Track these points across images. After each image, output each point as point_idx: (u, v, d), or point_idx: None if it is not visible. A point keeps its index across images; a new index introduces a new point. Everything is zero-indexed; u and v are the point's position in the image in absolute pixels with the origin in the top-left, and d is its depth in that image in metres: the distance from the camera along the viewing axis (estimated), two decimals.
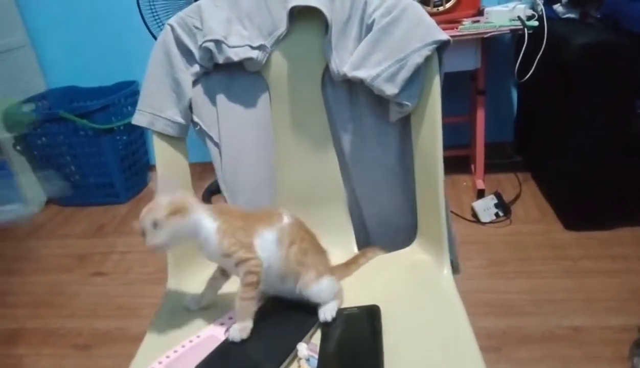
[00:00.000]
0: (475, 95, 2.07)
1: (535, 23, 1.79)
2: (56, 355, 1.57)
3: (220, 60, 0.91)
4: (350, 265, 0.91)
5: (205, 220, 0.73)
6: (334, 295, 0.79)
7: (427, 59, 0.84)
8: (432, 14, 1.89)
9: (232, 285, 0.84)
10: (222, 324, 0.79)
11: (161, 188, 0.74)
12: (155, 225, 0.70)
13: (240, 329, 0.74)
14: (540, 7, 1.87)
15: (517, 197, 2.10)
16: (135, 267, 1.97)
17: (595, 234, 1.77)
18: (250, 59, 0.92)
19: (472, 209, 2.00)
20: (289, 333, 0.76)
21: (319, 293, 0.78)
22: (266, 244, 0.75)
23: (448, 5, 1.93)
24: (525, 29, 1.77)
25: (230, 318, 0.79)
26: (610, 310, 1.43)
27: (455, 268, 0.90)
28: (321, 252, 0.83)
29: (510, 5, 1.85)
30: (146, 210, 0.72)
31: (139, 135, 2.61)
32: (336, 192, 1.01)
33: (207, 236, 0.73)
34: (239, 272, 0.74)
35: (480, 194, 2.09)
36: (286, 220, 0.79)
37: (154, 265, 1.92)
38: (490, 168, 2.21)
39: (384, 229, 1.01)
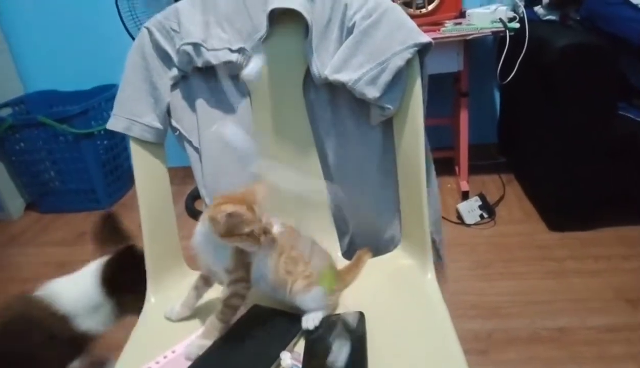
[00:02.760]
0: (459, 97, 2.08)
1: (517, 25, 1.80)
2: None
3: (199, 63, 0.90)
4: (352, 271, 0.90)
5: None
6: (323, 305, 0.78)
7: (409, 62, 0.84)
8: (414, 16, 1.90)
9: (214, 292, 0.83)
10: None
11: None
12: (226, 233, 0.69)
13: (200, 347, 0.74)
14: (521, 9, 1.89)
15: (501, 198, 2.11)
16: None
17: (578, 235, 1.78)
18: (229, 62, 0.90)
19: (457, 211, 2.00)
20: (273, 342, 0.75)
21: (308, 302, 0.77)
22: (258, 256, 0.75)
23: (430, 7, 1.93)
24: (507, 31, 1.78)
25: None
26: (594, 310, 1.43)
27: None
28: (317, 257, 0.81)
29: (492, 7, 1.86)
30: (230, 212, 0.68)
31: (120, 140, 2.57)
32: (319, 197, 0.99)
33: (221, 248, 0.73)
34: (229, 290, 0.75)
35: (465, 196, 2.09)
36: (276, 228, 0.77)
37: None
38: (474, 170, 2.22)
39: (368, 233, 1.00)
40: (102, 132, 2.42)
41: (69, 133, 2.31)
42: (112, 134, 2.53)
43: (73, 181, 2.46)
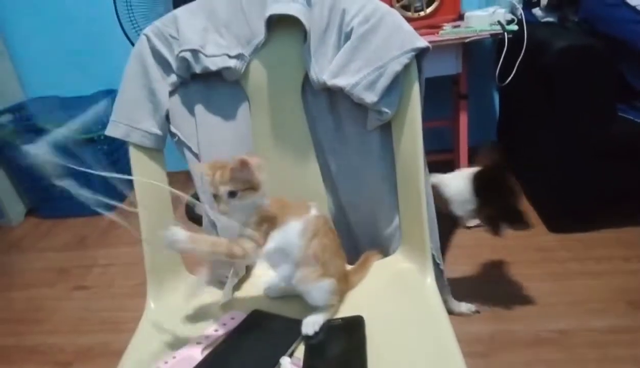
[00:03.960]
0: (458, 100, 2.08)
1: (515, 27, 1.80)
2: None
3: (198, 69, 0.90)
4: (359, 272, 0.91)
5: (260, 202, 0.75)
6: (325, 303, 0.79)
7: (406, 67, 0.84)
8: (413, 19, 1.91)
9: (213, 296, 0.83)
10: (198, 343, 0.78)
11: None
12: (232, 194, 0.72)
13: (179, 240, 0.70)
14: (520, 11, 1.89)
15: None
16: (118, 279, 1.94)
17: (579, 236, 1.77)
18: (228, 68, 0.90)
19: None
20: (272, 347, 0.75)
21: (315, 295, 0.78)
22: (289, 232, 0.76)
23: (429, 10, 1.93)
24: (505, 33, 1.77)
25: (207, 336, 0.77)
26: (596, 311, 1.43)
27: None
28: (338, 255, 0.83)
29: (490, 9, 1.86)
30: (222, 174, 0.72)
31: (121, 145, 2.52)
32: (319, 200, 0.99)
33: (250, 207, 0.74)
34: (238, 240, 0.74)
35: None
36: (313, 212, 0.80)
37: (137, 278, 1.87)
38: None
39: (369, 237, 1.00)
40: (102, 137, 2.42)
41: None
42: (113, 138, 2.53)
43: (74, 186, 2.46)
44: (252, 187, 0.73)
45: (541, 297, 1.52)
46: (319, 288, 0.78)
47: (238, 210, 0.73)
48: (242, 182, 0.72)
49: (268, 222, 0.75)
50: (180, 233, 0.70)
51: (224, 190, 0.71)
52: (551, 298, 1.51)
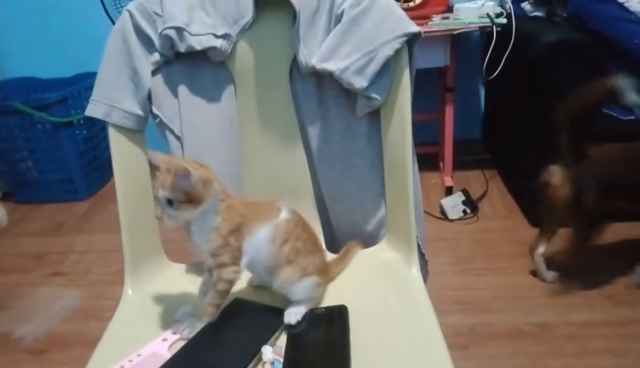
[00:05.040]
0: (444, 93, 2.08)
1: (504, 20, 1.80)
2: (9, 362, 1.48)
3: (182, 48, 0.87)
4: (340, 263, 0.89)
5: (212, 212, 0.71)
6: (309, 298, 0.77)
7: (397, 52, 0.82)
8: (402, 10, 1.89)
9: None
10: (164, 340, 0.75)
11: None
12: (170, 203, 0.67)
13: (190, 328, 0.74)
14: (509, 4, 1.89)
15: (484, 194, 2.12)
16: (96, 267, 1.89)
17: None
18: (214, 48, 0.87)
19: (440, 206, 2.00)
20: (254, 336, 0.73)
21: (295, 293, 0.76)
22: (259, 241, 0.74)
23: (418, 1, 1.92)
24: (494, 26, 1.78)
25: (174, 333, 0.75)
26: (575, 306, 1.45)
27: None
28: (315, 251, 0.80)
29: (479, 2, 1.86)
30: (165, 177, 0.67)
31: (100, 129, 2.51)
32: (304, 188, 0.98)
33: (205, 228, 0.71)
34: (214, 275, 0.73)
35: (449, 191, 2.10)
36: (284, 215, 0.76)
37: (115, 265, 1.84)
38: (458, 165, 2.22)
39: (353, 227, 0.99)
40: (81, 121, 2.37)
41: (46, 121, 2.25)
42: (92, 123, 2.49)
43: (51, 171, 2.40)
44: (190, 200, 0.68)
45: (521, 290, 1.53)
46: (300, 287, 0.76)
47: (173, 220, 0.69)
48: (182, 193, 0.67)
49: (235, 235, 0.72)
50: (188, 325, 0.74)
51: (162, 194, 0.67)
52: (531, 292, 1.52)
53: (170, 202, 0.67)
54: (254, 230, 0.74)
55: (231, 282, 0.74)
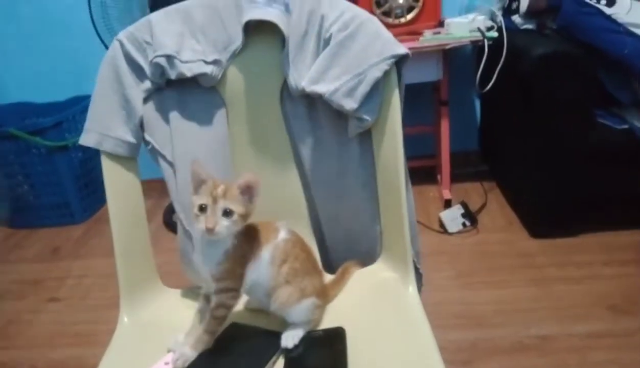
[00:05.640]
0: (439, 106, 2.09)
1: (495, 34, 1.82)
2: None
3: (173, 75, 0.87)
4: (338, 284, 0.89)
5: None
6: (307, 320, 0.77)
7: (386, 73, 0.83)
8: (393, 26, 1.91)
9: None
10: (166, 364, 0.74)
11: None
12: (227, 214, 0.68)
13: (185, 358, 0.72)
14: (499, 18, 1.91)
15: (483, 206, 2.12)
16: (93, 291, 1.88)
17: (559, 242, 1.79)
18: (204, 75, 0.88)
19: (439, 220, 2.00)
20: (251, 361, 0.73)
21: (293, 315, 0.76)
22: (260, 265, 0.74)
23: (409, 16, 1.94)
24: (485, 40, 1.79)
25: (167, 363, 0.74)
26: (576, 317, 1.44)
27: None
28: (313, 272, 0.80)
29: (470, 16, 1.88)
30: (226, 189, 0.68)
31: (95, 153, 2.43)
32: (298, 209, 0.97)
33: (217, 252, 0.72)
34: (214, 300, 0.73)
35: (447, 204, 2.10)
36: (282, 235, 0.77)
37: (112, 290, 1.79)
38: (456, 178, 2.22)
39: (348, 247, 0.98)
40: (76, 144, 2.36)
41: (42, 146, 2.25)
42: (87, 147, 2.47)
43: (46, 195, 2.39)
44: (244, 214, 0.70)
45: (522, 303, 1.52)
46: (298, 309, 0.76)
47: (225, 232, 0.69)
48: (242, 205, 0.69)
49: (241, 260, 0.73)
50: (182, 355, 0.72)
51: (223, 204, 0.68)
52: (532, 304, 1.51)
53: (228, 213, 0.68)
54: (257, 255, 0.74)
55: (230, 308, 0.74)
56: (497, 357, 1.34)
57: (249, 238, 0.75)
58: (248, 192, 0.70)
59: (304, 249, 0.80)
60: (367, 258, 0.94)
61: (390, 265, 0.90)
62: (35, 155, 2.30)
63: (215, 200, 0.68)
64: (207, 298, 0.78)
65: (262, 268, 0.74)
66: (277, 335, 0.75)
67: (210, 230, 0.67)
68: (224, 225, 0.68)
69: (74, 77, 2.50)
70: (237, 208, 0.68)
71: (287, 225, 0.80)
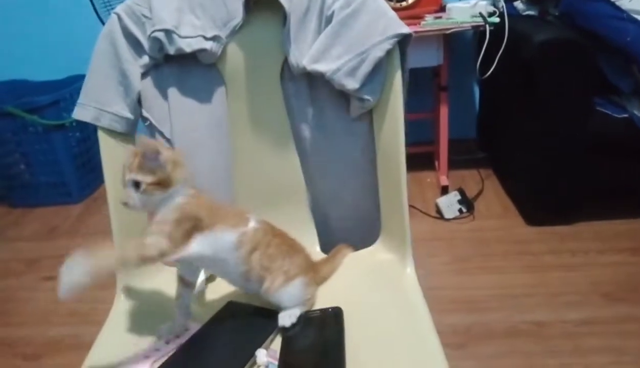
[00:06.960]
0: (438, 92, 2.08)
1: (497, 19, 1.80)
2: (3, 367, 1.47)
3: (171, 51, 0.86)
4: (330, 263, 0.88)
5: (177, 198, 0.68)
6: (301, 300, 0.76)
7: (389, 53, 0.82)
8: (395, 9, 1.87)
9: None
10: (146, 357, 0.73)
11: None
12: (137, 186, 0.65)
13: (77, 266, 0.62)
14: (501, 3, 1.89)
15: (480, 193, 2.12)
16: None
17: (556, 229, 1.79)
18: (203, 51, 0.86)
19: (436, 206, 2.00)
20: (248, 339, 0.72)
21: (285, 299, 0.75)
22: (218, 242, 0.71)
23: (411, 0, 1.92)
24: (487, 25, 1.78)
25: (157, 349, 0.74)
26: (571, 304, 1.45)
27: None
28: (293, 253, 0.79)
29: (472, 1, 1.86)
30: (133, 161, 0.65)
31: (93, 131, 2.45)
32: (297, 190, 0.97)
33: (166, 210, 0.68)
34: (148, 239, 0.66)
35: (444, 191, 2.10)
36: (252, 224, 0.75)
37: None
38: (453, 164, 2.22)
39: (347, 228, 0.98)
40: (74, 123, 2.35)
41: (39, 124, 2.24)
42: (85, 125, 2.44)
43: (44, 174, 2.38)
44: (160, 182, 0.66)
45: (517, 289, 1.53)
46: (288, 292, 0.75)
47: (139, 204, 0.66)
48: (150, 174, 0.65)
49: (191, 222, 0.69)
50: (77, 264, 0.61)
51: (129, 177, 0.65)
52: (527, 290, 1.52)
53: (137, 185, 0.65)
54: (214, 229, 0.70)
55: (159, 255, 0.64)
56: (491, 341, 1.35)
57: (207, 207, 0.71)
58: (152, 158, 0.65)
59: (276, 234, 0.77)
60: (366, 239, 0.94)
61: (389, 246, 0.90)
62: (33, 134, 2.29)
63: (124, 174, 0.67)
64: (182, 280, 0.77)
65: (221, 246, 0.71)
66: (274, 314, 0.75)
67: (125, 205, 0.67)
68: (134, 198, 0.66)
69: (71, 55, 2.47)
70: (144, 178, 0.65)
71: (257, 216, 0.77)
